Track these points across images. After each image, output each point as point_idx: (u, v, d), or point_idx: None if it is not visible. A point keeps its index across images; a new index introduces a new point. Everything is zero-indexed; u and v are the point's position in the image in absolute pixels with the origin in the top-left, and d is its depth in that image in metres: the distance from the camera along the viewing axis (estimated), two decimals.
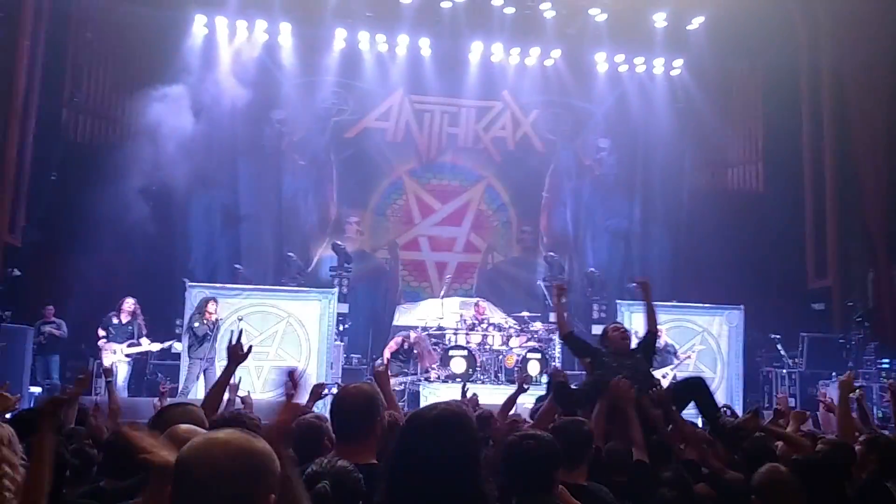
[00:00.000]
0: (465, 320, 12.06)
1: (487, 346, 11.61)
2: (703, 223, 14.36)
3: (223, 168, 13.76)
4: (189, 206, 13.42)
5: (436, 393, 10.37)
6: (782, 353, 12.37)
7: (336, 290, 11.91)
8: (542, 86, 14.80)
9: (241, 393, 5.62)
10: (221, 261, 13.45)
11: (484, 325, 11.86)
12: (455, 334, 11.74)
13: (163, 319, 11.58)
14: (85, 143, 12.99)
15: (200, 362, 9.76)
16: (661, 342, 11.45)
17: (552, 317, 12.97)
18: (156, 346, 10.38)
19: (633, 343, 5.59)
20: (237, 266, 12.82)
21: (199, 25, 13.48)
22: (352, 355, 12.44)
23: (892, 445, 3.92)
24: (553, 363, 11.16)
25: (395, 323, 13.14)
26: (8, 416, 3.67)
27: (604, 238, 15.06)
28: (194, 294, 10.81)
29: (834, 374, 11.48)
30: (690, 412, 5.15)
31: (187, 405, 2.68)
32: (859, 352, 12.02)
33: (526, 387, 5.48)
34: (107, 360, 9.93)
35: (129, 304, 10.32)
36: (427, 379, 11.07)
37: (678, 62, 14.74)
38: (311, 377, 10.34)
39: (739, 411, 9.30)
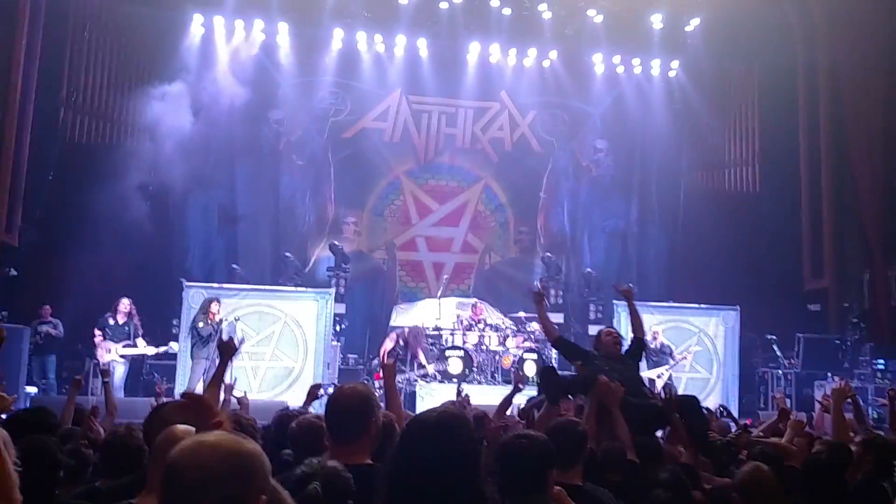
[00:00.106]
0: (462, 321, 12.07)
1: (484, 347, 11.63)
2: (700, 224, 14.39)
3: (221, 168, 13.76)
4: (186, 205, 13.43)
5: (432, 393, 10.38)
6: (778, 353, 12.41)
7: (333, 290, 11.92)
8: (540, 87, 14.83)
9: (237, 393, 5.62)
10: (219, 261, 13.46)
11: (481, 326, 11.87)
12: (452, 334, 11.75)
13: (160, 319, 11.58)
14: (82, 142, 12.97)
15: (204, 362, 9.74)
16: (656, 343, 11.50)
17: (549, 317, 13.01)
18: (151, 350, 10.36)
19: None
20: (234, 266, 12.82)
21: (196, 25, 13.48)
22: (349, 355, 12.45)
23: (889, 446, 3.94)
24: (549, 364, 11.18)
25: (392, 323, 13.14)
26: (3, 416, 3.67)
27: (601, 238, 15.08)
28: (191, 294, 10.81)
29: (830, 374, 11.52)
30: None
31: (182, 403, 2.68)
32: (855, 353, 12.07)
33: (521, 387, 5.49)
34: (101, 357, 9.93)
35: (125, 304, 10.30)
36: (424, 377, 11.07)
37: (675, 63, 14.78)
38: (308, 376, 10.41)
39: (735, 412, 9.35)
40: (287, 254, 13.17)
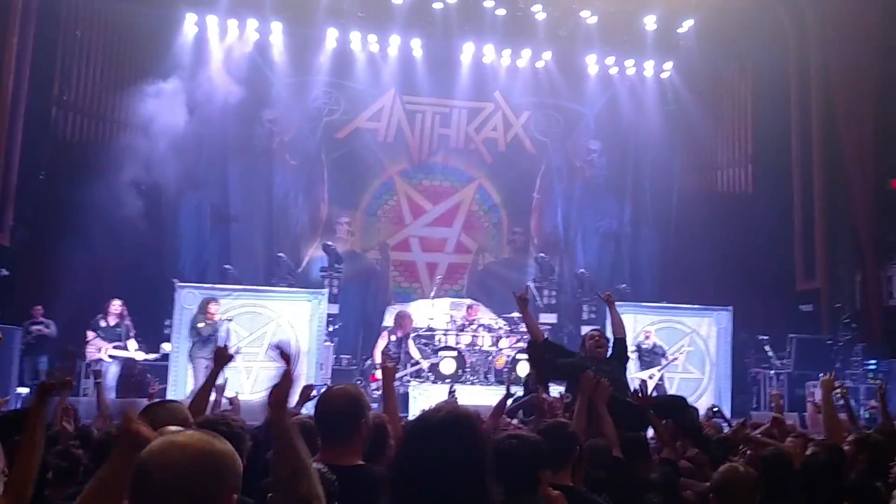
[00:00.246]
0: (455, 321, 12.07)
1: (477, 347, 11.63)
2: (693, 225, 14.43)
3: (213, 168, 13.73)
4: (179, 205, 13.39)
5: (425, 393, 10.37)
6: (770, 354, 12.45)
7: (326, 290, 11.90)
8: (534, 87, 14.84)
9: (229, 394, 5.61)
10: (211, 261, 13.42)
11: (474, 326, 11.87)
12: (445, 335, 11.75)
13: (152, 320, 11.53)
14: (74, 141, 12.92)
15: (204, 361, 9.71)
16: (649, 343, 11.53)
17: (542, 317, 13.05)
18: (140, 356, 10.33)
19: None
20: (227, 266, 12.78)
21: (189, 24, 13.44)
22: (341, 356, 12.41)
23: (881, 445, 3.93)
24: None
25: (385, 324, 13.12)
26: None
27: (594, 239, 15.11)
28: (184, 294, 10.78)
29: (822, 375, 11.55)
30: None
31: (172, 403, 2.69)
32: (847, 353, 12.12)
33: (514, 391, 5.49)
34: (91, 355, 9.91)
35: (116, 306, 10.28)
36: (417, 374, 11.07)
37: (668, 64, 14.81)
38: (301, 378, 10.38)
39: (728, 412, 9.37)
40: (280, 254, 13.14)
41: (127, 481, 1.50)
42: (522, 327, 11.93)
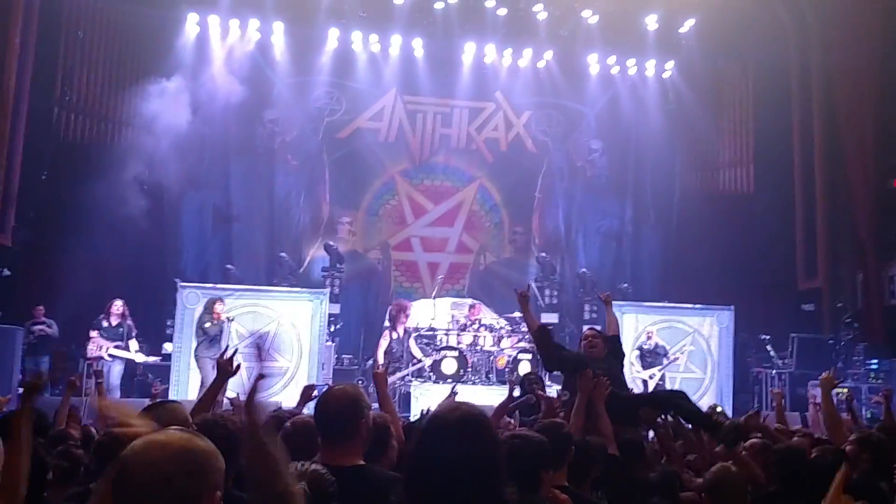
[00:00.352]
0: (456, 321, 12.07)
1: (479, 347, 11.62)
2: (694, 224, 14.42)
3: (215, 168, 13.75)
4: (181, 206, 13.41)
5: (426, 393, 10.38)
6: (772, 353, 12.43)
7: (328, 290, 11.91)
8: (535, 87, 14.84)
9: (229, 394, 5.61)
10: (213, 261, 13.43)
11: (475, 326, 11.87)
12: (446, 335, 11.74)
13: (154, 320, 11.56)
14: (76, 142, 12.94)
15: (211, 361, 9.72)
16: (650, 343, 11.53)
17: (544, 317, 13.05)
18: (140, 357, 10.35)
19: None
20: (229, 266, 12.80)
21: (191, 24, 13.45)
22: (343, 356, 12.43)
23: (884, 444, 3.89)
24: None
25: (386, 323, 13.13)
26: None
27: (595, 239, 15.11)
28: (186, 294, 10.80)
29: (824, 374, 11.54)
30: None
31: (172, 404, 2.69)
32: (848, 352, 12.10)
33: (516, 393, 5.49)
34: (91, 352, 9.94)
35: (118, 306, 10.29)
36: (419, 373, 11.07)
37: (669, 64, 14.81)
38: (302, 377, 10.40)
39: (729, 412, 9.38)
40: (282, 254, 13.16)
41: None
42: (524, 327, 11.94)
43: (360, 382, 10.88)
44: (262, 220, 14.12)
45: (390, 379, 10.57)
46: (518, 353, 11.40)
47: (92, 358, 9.92)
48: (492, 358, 11.60)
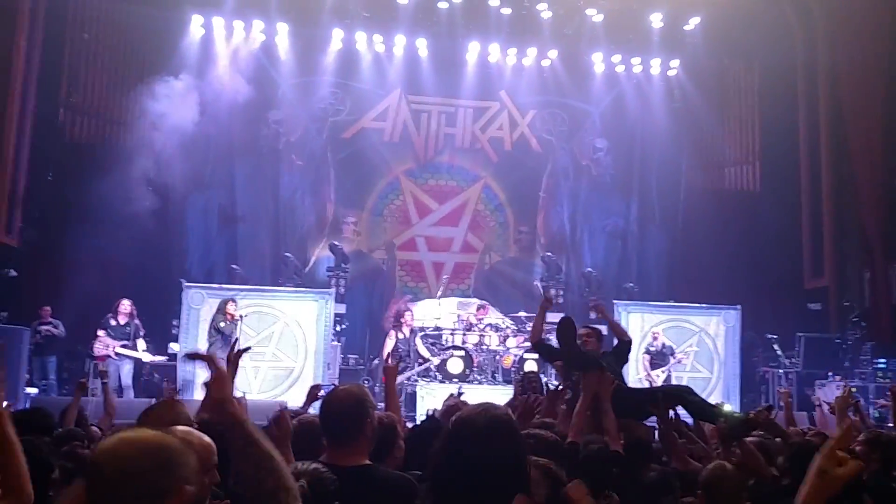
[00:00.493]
0: (462, 320, 12.06)
1: (484, 347, 11.61)
2: (700, 223, 14.38)
3: (220, 168, 13.77)
4: (186, 206, 13.44)
5: (432, 393, 10.37)
6: (779, 353, 12.39)
7: (333, 290, 11.91)
8: (539, 86, 14.81)
9: (236, 394, 5.61)
10: (218, 261, 13.46)
11: (481, 326, 11.86)
12: (452, 335, 11.74)
13: (159, 320, 11.57)
14: (82, 143, 12.98)
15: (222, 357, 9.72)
16: (657, 343, 11.50)
17: (549, 316, 12.97)
18: (147, 357, 10.37)
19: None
20: (234, 266, 12.81)
21: (196, 25, 13.48)
22: (349, 356, 12.43)
23: (894, 444, 3.86)
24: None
25: (390, 321, 13.14)
26: None
27: (601, 238, 15.07)
28: (191, 294, 10.82)
29: (831, 373, 11.51)
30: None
31: (174, 403, 2.69)
32: (855, 352, 12.04)
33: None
34: (98, 351, 9.97)
35: (126, 305, 10.33)
36: (425, 373, 11.06)
37: (675, 62, 14.76)
38: (308, 377, 10.40)
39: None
40: (287, 254, 13.16)
41: None
42: (529, 326, 11.91)
43: (365, 382, 10.88)
44: (267, 221, 14.14)
45: (397, 378, 10.57)
46: (524, 353, 11.38)
47: (99, 357, 9.95)
48: (498, 357, 11.59)
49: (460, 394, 6.14)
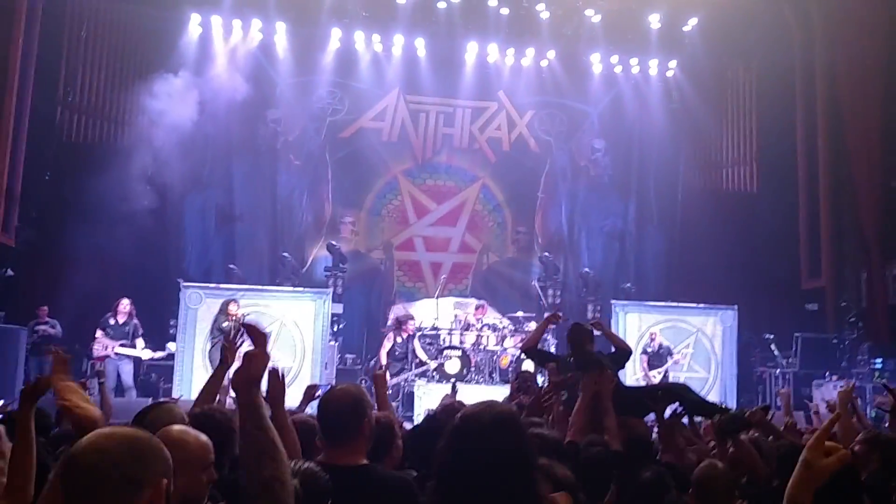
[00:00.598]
0: (459, 321, 12.06)
1: (482, 347, 11.62)
2: (698, 223, 14.39)
3: (218, 168, 13.76)
4: (183, 205, 13.42)
5: (430, 392, 10.37)
6: (776, 353, 12.41)
7: (331, 290, 11.89)
8: (538, 86, 14.82)
9: (233, 394, 5.60)
10: (216, 261, 13.45)
11: (478, 326, 11.87)
12: (450, 334, 11.74)
13: (157, 320, 11.55)
14: (79, 142, 12.96)
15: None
16: (654, 345, 11.52)
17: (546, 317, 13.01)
18: (147, 354, 10.36)
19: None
20: (231, 266, 12.80)
21: (194, 24, 13.46)
22: (346, 355, 12.43)
23: (894, 444, 3.83)
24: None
25: (389, 323, 13.13)
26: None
27: (599, 238, 15.08)
28: (189, 294, 10.81)
29: (828, 374, 11.53)
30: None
31: (168, 404, 2.70)
32: (853, 352, 12.06)
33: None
34: (97, 352, 9.97)
35: (125, 304, 10.33)
36: (423, 374, 11.06)
37: (673, 63, 14.78)
38: (305, 376, 10.39)
39: None
40: (284, 254, 13.15)
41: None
42: (527, 326, 11.94)
43: (362, 382, 10.87)
44: (264, 220, 14.13)
45: (394, 380, 10.59)
46: (521, 353, 11.37)
47: (99, 357, 9.94)
48: (495, 357, 11.59)
49: (454, 391, 6.15)
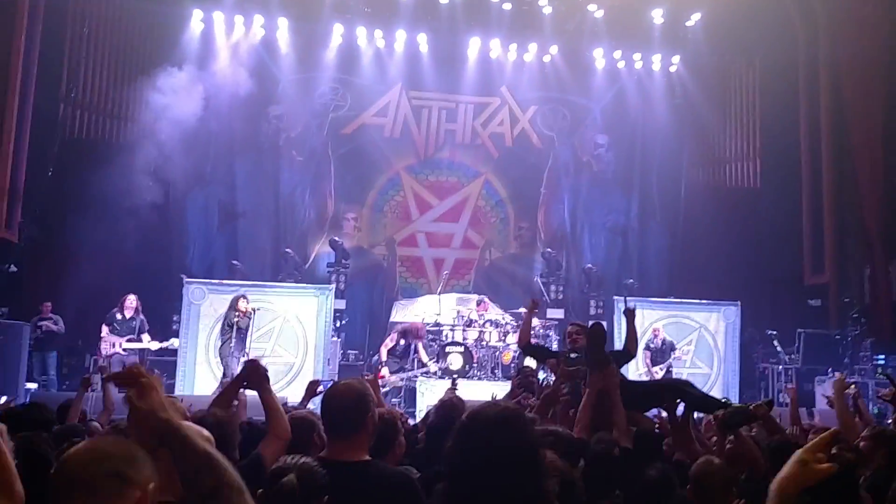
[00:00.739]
0: (462, 316, 12.06)
1: (484, 343, 11.62)
2: (701, 219, 14.37)
3: (221, 164, 13.77)
4: (186, 202, 13.45)
5: (432, 389, 10.38)
6: (779, 349, 12.39)
7: (333, 286, 11.92)
8: (540, 82, 14.79)
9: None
10: (219, 257, 13.47)
11: (481, 322, 11.87)
12: (452, 330, 11.75)
13: (160, 316, 11.57)
14: (82, 138, 12.96)
15: (237, 358, 9.67)
16: (657, 341, 11.51)
17: (549, 313, 13.03)
18: (154, 345, 10.40)
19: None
20: (234, 262, 12.81)
21: (196, 20, 13.46)
22: (349, 351, 12.45)
23: None
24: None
25: (392, 319, 13.14)
26: None
27: (601, 234, 15.07)
28: (192, 290, 10.83)
29: (830, 370, 11.51)
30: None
31: (170, 399, 2.69)
32: (855, 348, 12.04)
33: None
34: (106, 351, 10.01)
35: (132, 300, 10.39)
36: (425, 374, 11.07)
37: (676, 58, 14.74)
38: (307, 372, 10.41)
39: None
40: (287, 250, 13.16)
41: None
42: (532, 322, 11.91)
43: (364, 377, 10.87)
44: (267, 217, 14.14)
45: (395, 377, 10.61)
46: (520, 351, 11.36)
47: (109, 356, 9.99)
48: (497, 353, 11.59)
49: (454, 388, 6.14)
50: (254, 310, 10.06)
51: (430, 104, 15.03)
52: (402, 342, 11.13)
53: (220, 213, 13.87)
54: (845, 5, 12.93)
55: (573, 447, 2.74)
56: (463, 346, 11.38)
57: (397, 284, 14.79)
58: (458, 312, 12.29)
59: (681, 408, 4.48)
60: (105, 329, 10.24)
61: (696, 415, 4.99)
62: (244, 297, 10.18)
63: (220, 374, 9.95)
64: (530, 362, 10.97)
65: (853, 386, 5.62)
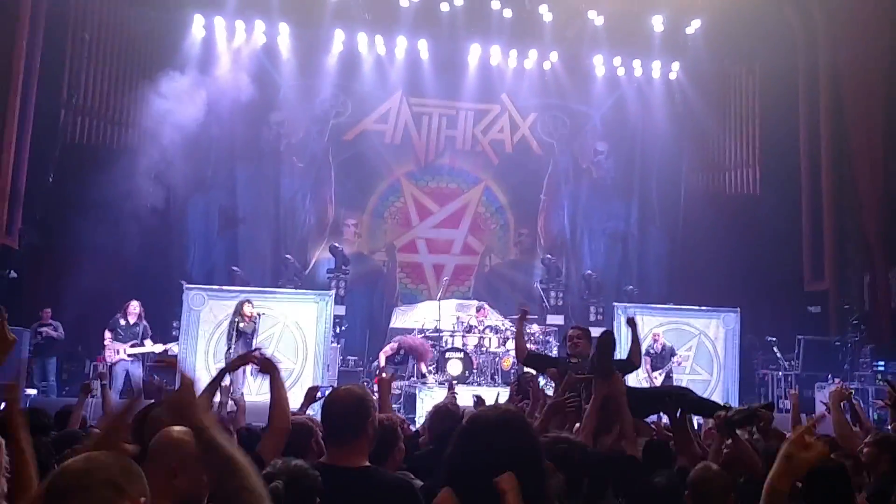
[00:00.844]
0: (462, 322, 12.06)
1: (484, 349, 11.62)
2: (700, 226, 14.38)
3: (221, 170, 13.79)
4: (187, 207, 13.46)
5: (431, 395, 10.36)
6: (779, 355, 12.38)
7: (333, 292, 11.91)
8: (540, 89, 14.83)
9: (233, 394, 5.62)
10: (219, 263, 13.47)
11: (481, 328, 11.87)
12: (452, 336, 11.74)
13: (160, 321, 11.56)
14: (82, 144, 12.97)
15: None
16: (657, 347, 11.51)
17: (549, 319, 13.04)
18: (158, 347, 10.40)
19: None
20: (234, 268, 12.83)
21: (197, 26, 13.50)
22: (348, 357, 12.44)
23: None
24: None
25: (392, 325, 13.14)
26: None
27: (601, 241, 15.08)
28: (192, 296, 10.83)
29: (830, 376, 11.51)
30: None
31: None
32: (855, 355, 12.04)
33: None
34: (110, 358, 10.00)
35: (135, 306, 10.36)
36: (424, 382, 11.06)
37: (675, 65, 14.78)
38: (307, 378, 10.40)
39: None
40: (287, 256, 13.18)
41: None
42: (529, 329, 11.92)
43: (364, 383, 10.88)
44: (267, 222, 14.15)
45: (393, 384, 10.58)
46: (521, 364, 11.34)
47: (113, 363, 9.97)
48: (497, 359, 11.59)
49: (452, 389, 6.13)
50: (259, 314, 10.05)
51: (431, 111, 15.06)
52: (402, 352, 11.12)
53: (220, 219, 13.89)
54: (844, 11, 12.97)
55: (586, 455, 2.74)
56: (462, 352, 11.38)
57: (397, 290, 14.79)
58: (458, 318, 12.30)
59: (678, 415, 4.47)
60: (108, 335, 10.21)
61: (696, 423, 4.99)
62: (249, 301, 10.15)
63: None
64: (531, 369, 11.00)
65: (848, 392, 5.59)
